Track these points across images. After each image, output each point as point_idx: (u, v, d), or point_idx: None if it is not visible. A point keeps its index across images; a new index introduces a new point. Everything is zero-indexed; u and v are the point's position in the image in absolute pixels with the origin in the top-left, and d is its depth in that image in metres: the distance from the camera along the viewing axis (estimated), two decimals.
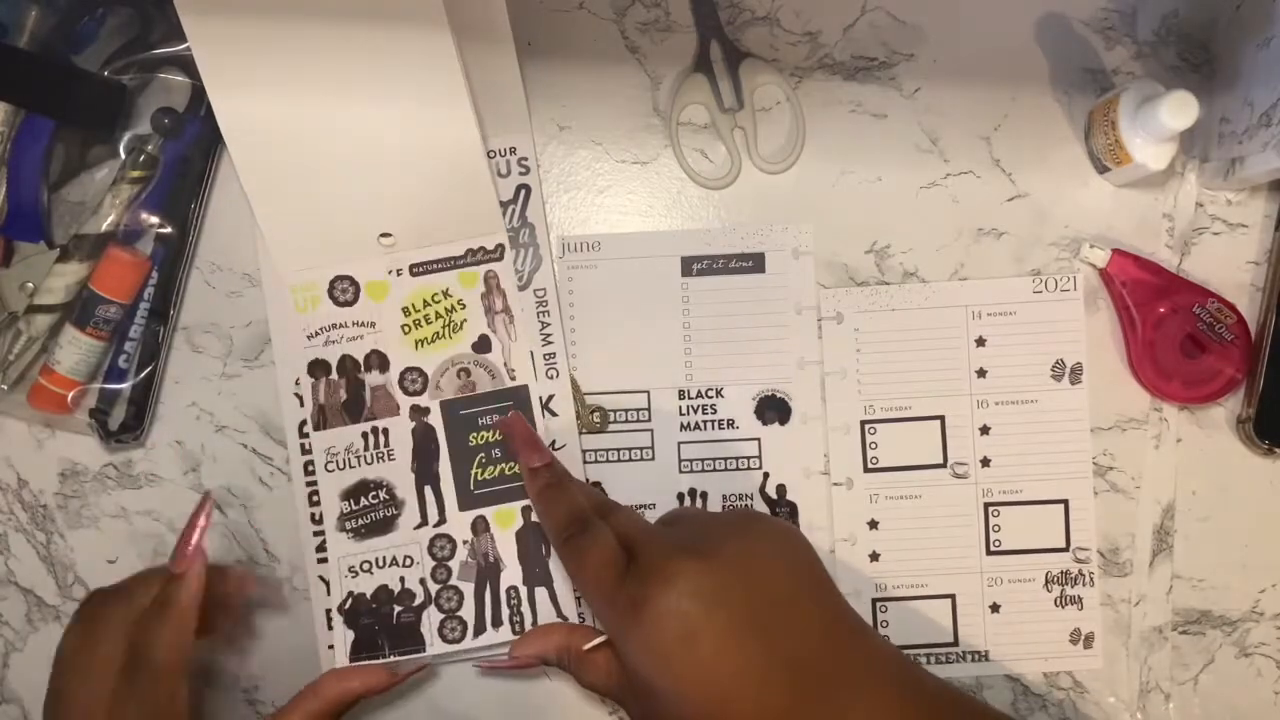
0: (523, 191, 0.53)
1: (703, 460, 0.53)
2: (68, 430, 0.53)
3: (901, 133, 0.54)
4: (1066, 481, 0.53)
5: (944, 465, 0.53)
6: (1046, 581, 0.53)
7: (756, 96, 0.53)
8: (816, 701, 0.40)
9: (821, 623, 0.42)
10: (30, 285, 0.51)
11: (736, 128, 0.53)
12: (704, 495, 0.53)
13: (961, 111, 0.54)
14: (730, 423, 0.53)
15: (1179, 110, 0.46)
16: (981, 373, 0.53)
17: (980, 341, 0.53)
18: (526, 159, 0.53)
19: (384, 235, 0.52)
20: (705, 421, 0.53)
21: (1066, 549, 0.53)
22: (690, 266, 0.53)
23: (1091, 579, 0.53)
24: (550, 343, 0.53)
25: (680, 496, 0.53)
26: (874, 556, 0.53)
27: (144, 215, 0.52)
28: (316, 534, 0.52)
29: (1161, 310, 0.51)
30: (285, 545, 0.53)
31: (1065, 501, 0.53)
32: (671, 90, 0.54)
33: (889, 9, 0.54)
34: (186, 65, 0.52)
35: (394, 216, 0.51)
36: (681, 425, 0.53)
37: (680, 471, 0.53)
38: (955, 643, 0.53)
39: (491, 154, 0.53)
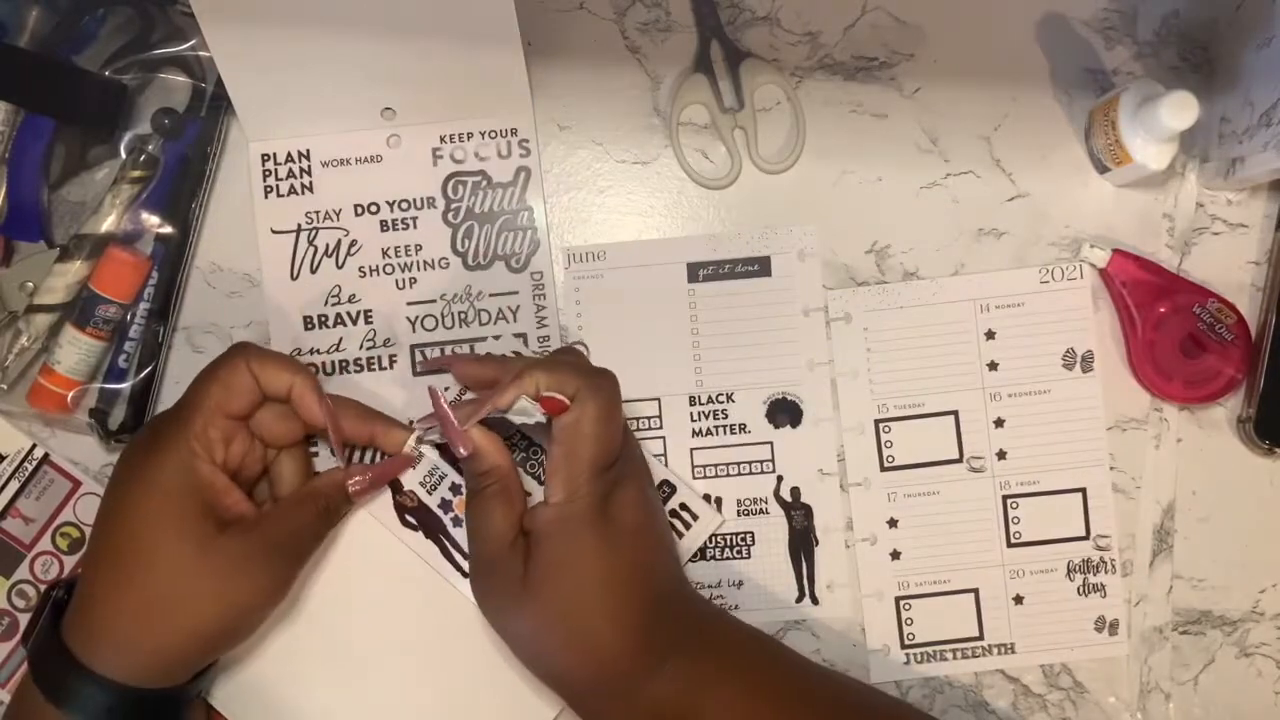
0: (522, 174, 0.53)
1: (716, 465, 0.53)
2: (68, 430, 0.53)
3: (901, 133, 0.54)
4: (1083, 470, 0.53)
5: (960, 460, 0.53)
6: (1068, 571, 0.53)
7: (757, 96, 0.53)
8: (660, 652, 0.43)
9: (677, 577, 0.47)
10: (30, 285, 0.51)
11: (737, 128, 0.53)
12: (719, 500, 0.53)
13: (961, 111, 0.54)
14: (742, 427, 0.53)
15: (1179, 110, 0.46)
16: (993, 365, 0.53)
17: (990, 334, 0.53)
18: (527, 141, 0.53)
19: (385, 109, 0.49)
20: (717, 427, 0.53)
21: (1087, 537, 0.53)
22: (696, 272, 0.53)
23: (1113, 566, 0.52)
24: (545, 325, 0.53)
25: None
26: (895, 555, 0.53)
27: (144, 215, 0.51)
28: None
29: (1162, 310, 0.51)
30: None
31: (1083, 490, 0.53)
32: (672, 90, 0.54)
33: (889, 9, 0.54)
34: (187, 65, 0.52)
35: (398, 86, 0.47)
36: (693, 431, 0.53)
37: (694, 477, 0.53)
38: (981, 637, 0.53)
39: (492, 134, 0.52)
